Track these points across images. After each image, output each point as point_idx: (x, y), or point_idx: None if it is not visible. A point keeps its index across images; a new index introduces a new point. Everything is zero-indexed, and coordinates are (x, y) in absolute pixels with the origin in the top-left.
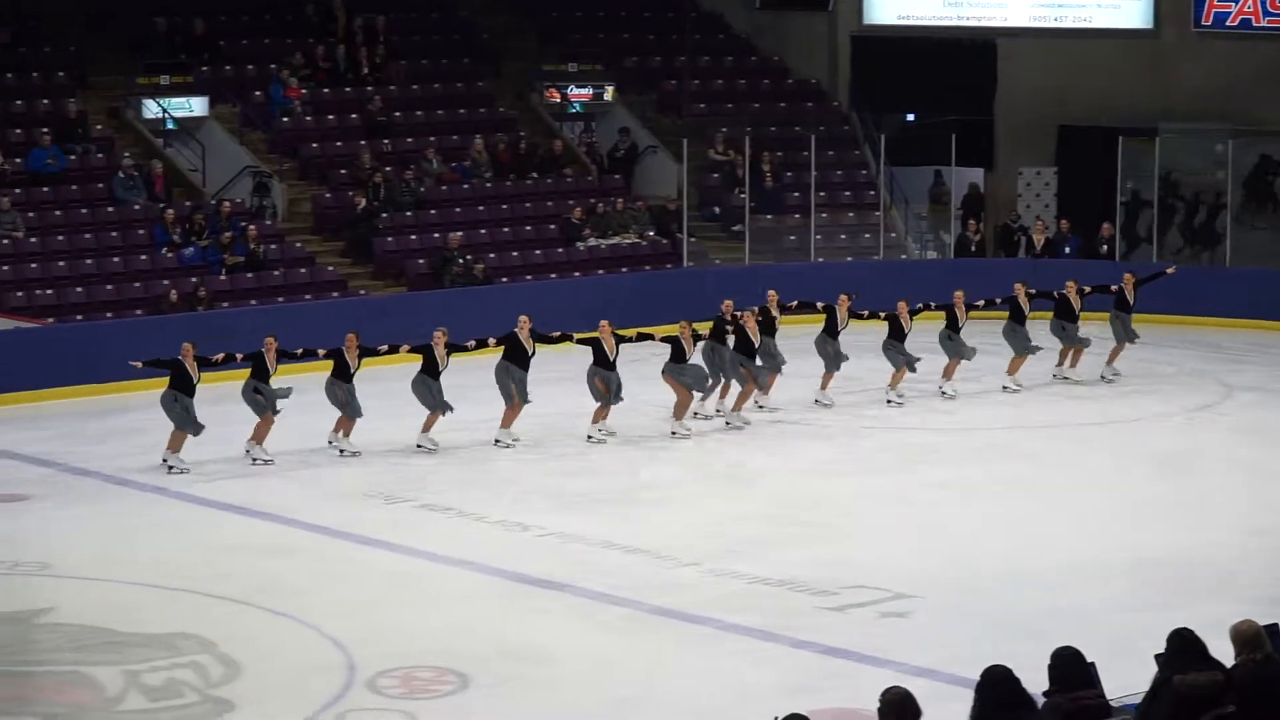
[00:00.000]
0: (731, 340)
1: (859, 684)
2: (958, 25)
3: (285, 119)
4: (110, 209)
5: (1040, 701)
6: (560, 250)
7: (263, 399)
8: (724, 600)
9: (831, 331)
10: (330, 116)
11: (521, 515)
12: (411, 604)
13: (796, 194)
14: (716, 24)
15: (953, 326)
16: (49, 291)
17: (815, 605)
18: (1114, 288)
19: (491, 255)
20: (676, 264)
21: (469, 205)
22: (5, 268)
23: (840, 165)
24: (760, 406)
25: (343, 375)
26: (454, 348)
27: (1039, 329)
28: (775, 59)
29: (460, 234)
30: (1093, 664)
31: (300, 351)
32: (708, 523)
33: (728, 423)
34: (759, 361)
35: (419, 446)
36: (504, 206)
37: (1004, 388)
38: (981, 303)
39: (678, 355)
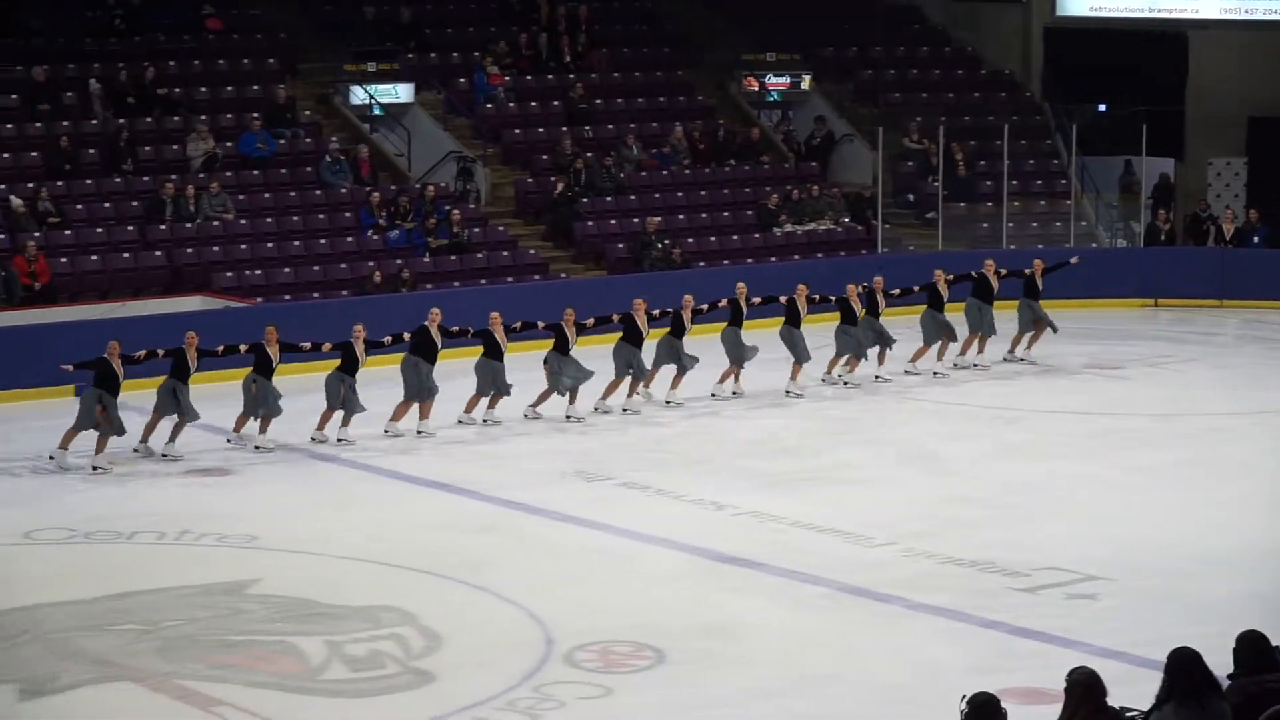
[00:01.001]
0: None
1: (1047, 664)
2: (1149, 17)
3: (489, 105)
4: (317, 192)
5: (1225, 684)
6: (756, 235)
7: (176, 401)
8: (915, 580)
9: (794, 322)
10: (533, 103)
11: (718, 495)
12: (609, 580)
13: (989, 182)
14: (912, 15)
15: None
16: (257, 272)
17: (1006, 586)
18: (1026, 271)
19: (689, 240)
20: (871, 250)
21: (668, 191)
22: (215, 249)
23: (1032, 154)
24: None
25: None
26: (371, 344)
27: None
28: (969, 50)
29: (659, 219)
30: (1278, 647)
31: (221, 349)
32: (901, 503)
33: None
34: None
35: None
36: (702, 192)
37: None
38: (898, 291)
39: (561, 345)
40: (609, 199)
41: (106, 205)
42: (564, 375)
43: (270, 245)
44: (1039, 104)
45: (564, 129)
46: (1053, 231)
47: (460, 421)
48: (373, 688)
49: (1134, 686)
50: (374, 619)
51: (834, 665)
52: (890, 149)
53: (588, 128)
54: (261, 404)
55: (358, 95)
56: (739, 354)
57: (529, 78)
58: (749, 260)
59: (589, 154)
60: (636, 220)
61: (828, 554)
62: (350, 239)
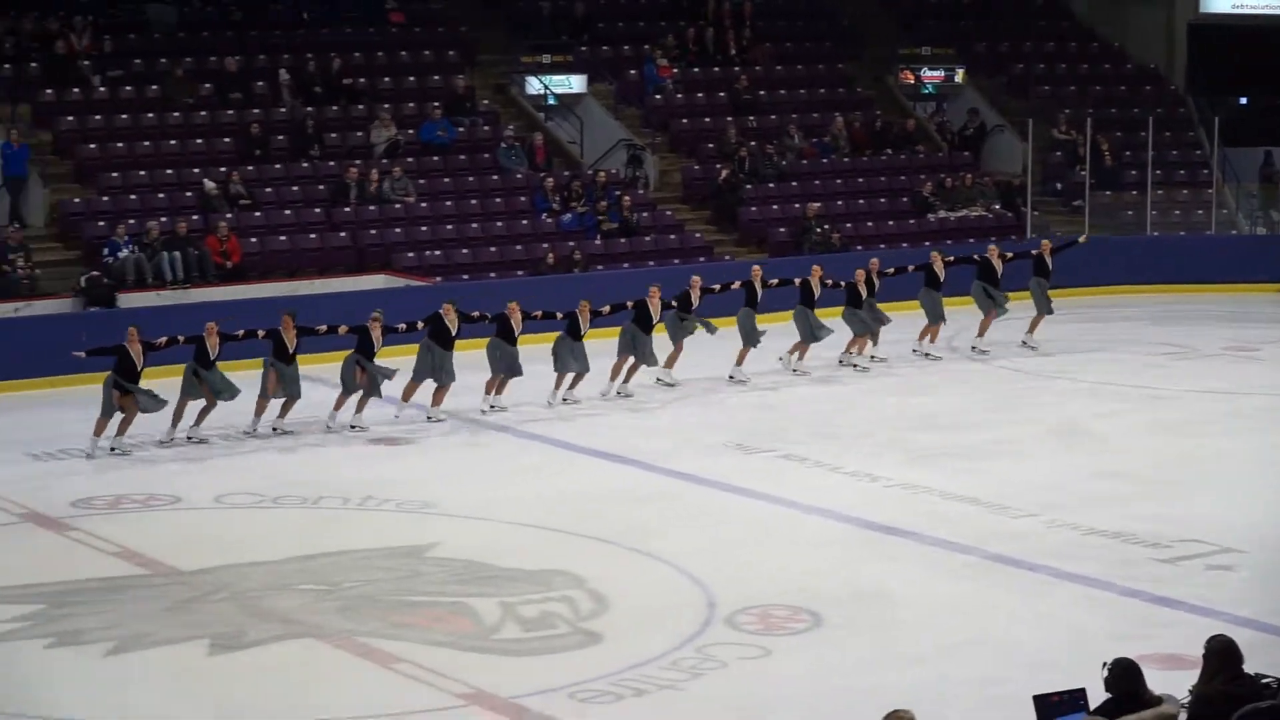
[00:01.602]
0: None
1: (1185, 632)
2: None
3: (658, 96)
4: (494, 177)
5: None
6: (911, 221)
7: (199, 382)
8: (1060, 550)
9: (809, 303)
10: (699, 94)
11: (872, 467)
12: (769, 547)
13: (1134, 172)
14: (1061, 12)
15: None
16: (437, 253)
17: (1147, 556)
18: (1034, 252)
19: (847, 225)
20: (1020, 236)
21: (827, 178)
22: (398, 230)
23: (1176, 146)
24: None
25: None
26: (387, 330)
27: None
28: (1115, 45)
29: (818, 205)
30: None
31: (241, 333)
32: (1048, 477)
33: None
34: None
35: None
36: (859, 180)
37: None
38: (893, 270)
39: (573, 331)
40: (771, 185)
41: (294, 188)
42: (567, 361)
43: (449, 227)
44: (1182, 97)
45: (729, 119)
46: (1194, 219)
47: (482, 410)
48: (544, 647)
49: (1270, 654)
50: (545, 582)
51: (981, 631)
52: (1039, 140)
53: (751, 118)
54: (279, 389)
55: (533, 86)
56: (752, 338)
57: (696, 70)
58: (904, 245)
59: (752, 143)
60: (797, 206)
61: (976, 524)
62: (525, 221)
